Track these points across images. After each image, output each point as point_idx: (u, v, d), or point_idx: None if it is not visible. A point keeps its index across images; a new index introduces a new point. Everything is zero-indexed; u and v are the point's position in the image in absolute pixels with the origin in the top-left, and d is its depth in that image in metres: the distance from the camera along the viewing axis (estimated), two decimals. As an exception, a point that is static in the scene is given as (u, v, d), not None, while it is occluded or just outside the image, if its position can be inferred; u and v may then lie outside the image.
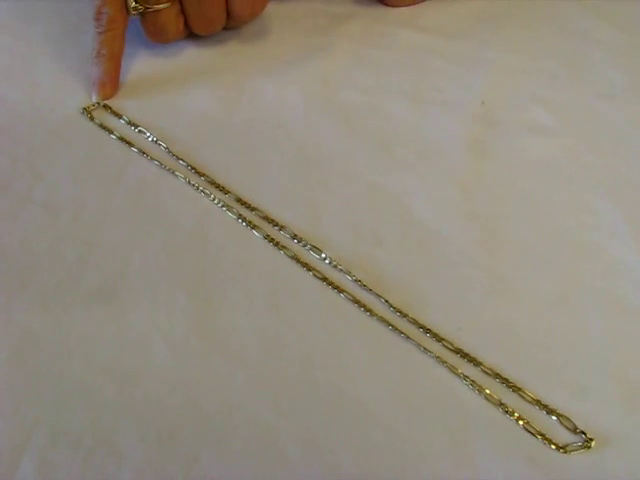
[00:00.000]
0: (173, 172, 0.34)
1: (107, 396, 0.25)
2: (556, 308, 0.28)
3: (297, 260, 0.30)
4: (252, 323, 0.28)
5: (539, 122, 0.38)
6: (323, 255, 0.30)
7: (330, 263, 0.30)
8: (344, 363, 0.26)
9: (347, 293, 0.29)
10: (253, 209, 0.32)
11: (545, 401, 0.25)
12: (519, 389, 0.26)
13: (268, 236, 0.31)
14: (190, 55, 0.41)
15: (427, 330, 0.27)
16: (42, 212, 0.32)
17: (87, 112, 0.37)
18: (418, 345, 0.27)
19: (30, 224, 0.31)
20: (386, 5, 0.46)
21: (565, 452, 0.24)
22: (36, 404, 0.25)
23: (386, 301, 0.28)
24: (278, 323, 0.28)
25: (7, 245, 0.30)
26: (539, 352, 0.27)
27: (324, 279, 0.29)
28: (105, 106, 0.37)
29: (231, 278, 0.29)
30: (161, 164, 0.34)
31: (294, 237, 0.31)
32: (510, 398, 0.25)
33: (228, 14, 0.39)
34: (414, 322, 0.28)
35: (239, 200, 0.33)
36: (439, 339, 0.27)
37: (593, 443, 0.24)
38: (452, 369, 0.26)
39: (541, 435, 0.24)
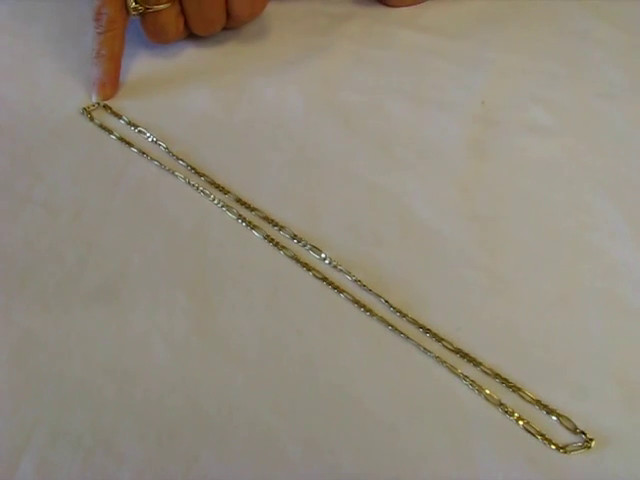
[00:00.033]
0: (173, 172, 0.34)
1: (107, 396, 0.25)
2: (556, 308, 0.28)
3: (297, 260, 0.30)
4: (252, 323, 0.28)
5: (539, 122, 0.38)
6: (323, 255, 0.30)
7: (330, 263, 0.30)
8: (344, 363, 0.26)
9: (347, 293, 0.29)
10: (253, 209, 0.32)
11: (545, 401, 0.25)
12: (519, 389, 0.26)
13: (268, 236, 0.31)
14: (190, 55, 0.41)
15: (427, 330, 0.27)
16: (42, 212, 0.32)
17: (87, 112, 0.37)
18: (418, 345, 0.27)
19: (30, 224, 0.31)
20: (386, 5, 0.46)
21: (565, 452, 0.24)
22: (36, 404, 0.25)
23: (386, 301, 0.28)
24: (278, 323, 0.28)
25: (7, 245, 0.30)
26: (539, 352, 0.27)
27: (324, 279, 0.29)
28: (105, 106, 0.38)
29: (231, 278, 0.29)
30: (161, 164, 0.34)
31: (294, 237, 0.31)
32: (510, 398, 0.25)
33: (228, 14, 0.39)
34: (414, 322, 0.28)
35: (239, 200, 0.33)
36: (439, 339, 0.27)
37: (593, 443, 0.24)
38: (452, 369, 0.26)
39: (541, 435, 0.24)
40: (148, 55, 0.41)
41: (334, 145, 0.36)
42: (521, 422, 0.25)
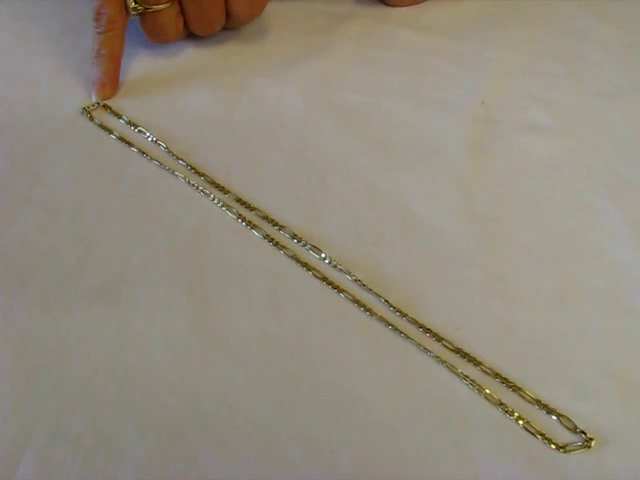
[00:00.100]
0: (173, 172, 0.34)
1: (107, 396, 0.25)
2: (556, 307, 0.28)
3: (297, 260, 0.30)
4: (252, 323, 0.27)
5: (539, 122, 0.38)
6: (323, 255, 0.30)
7: (330, 263, 0.30)
8: (344, 363, 0.26)
9: (347, 293, 0.29)
10: (253, 209, 0.32)
11: (545, 401, 0.25)
12: (519, 389, 0.26)
13: (268, 236, 0.31)
14: (190, 55, 0.41)
15: (427, 330, 0.27)
16: (42, 212, 0.32)
17: (87, 112, 0.37)
18: (418, 345, 0.27)
19: (30, 224, 0.31)
20: (386, 5, 0.46)
21: (565, 452, 0.24)
22: (36, 404, 0.25)
23: (386, 301, 0.28)
24: (278, 323, 0.28)
25: (7, 245, 0.30)
26: (539, 352, 0.27)
27: (324, 279, 0.29)
28: (105, 106, 0.38)
29: (231, 278, 0.29)
30: (161, 164, 0.34)
31: (294, 237, 0.31)
32: (510, 398, 0.25)
33: (227, 15, 0.39)
34: (414, 322, 0.28)
35: (239, 200, 0.33)
36: (439, 339, 0.27)
37: (593, 443, 0.24)
38: (452, 369, 0.26)
39: (541, 435, 0.24)
40: (148, 55, 0.41)
41: (334, 145, 0.36)
42: (521, 422, 0.25)
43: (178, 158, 0.35)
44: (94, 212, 0.32)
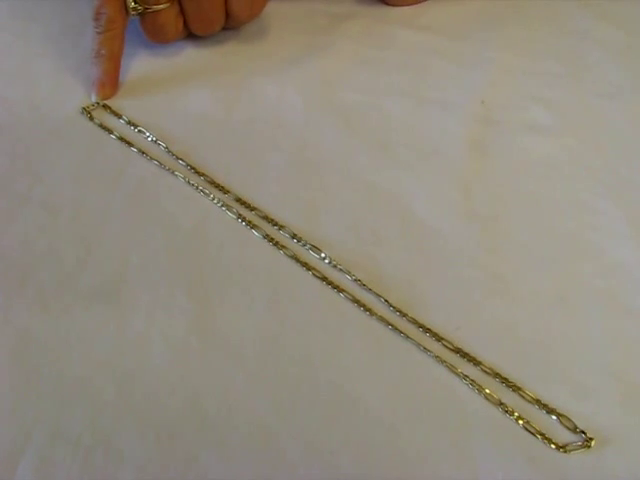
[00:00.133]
0: (173, 172, 0.34)
1: (106, 396, 0.25)
2: (556, 307, 0.28)
3: (297, 260, 0.30)
4: (251, 322, 0.27)
5: (539, 121, 0.38)
6: (323, 255, 0.30)
7: (330, 263, 0.30)
8: (344, 363, 0.26)
9: (347, 293, 0.29)
10: (253, 209, 0.32)
11: (545, 400, 0.25)
12: (519, 388, 0.26)
13: (268, 236, 0.31)
14: (189, 55, 0.41)
15: (427, 329, 0.27)
16: (41, 212, 0.32)
17: (87, 112, 0.37)
18: (418, 344, 0.27)
19: (29, 224, 0.31)
20: (387, 4, 0.46)
21: (565, 451, 0.24)
22: (35, 404, 0.25)
23: (386, 301, 0.28)
24: (278, 323, 0.28)
25: (7, 245, 0.30)
26: (539, 351, 0.27)
27: (324, 279, 0.29)
28: (105, 106, 0.38)
29: (230, 278, 0.29)
30: (161, 164, 0.34)
31: (294, 237, 0.31)
32: (510, 397, 0.25)
33: (227, 15, 0.39)
34: (414, 321, 0.28)
35: (238, 200, 0.33)
36: (439, 338, 0.27)
37: (593, 442, 0.24)
38: (452, 368, 0.26)
39: (541, 434, 0.24)
40: (148, 55, 0.41)
41: (334, 145, 0.36)
42: (521, 421, 0.25)
43: (178, 158, 0.35)
44: (94, 212, 0.32)
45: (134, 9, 0.36)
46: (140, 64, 0.40)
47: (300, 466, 0.23)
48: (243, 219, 0.32)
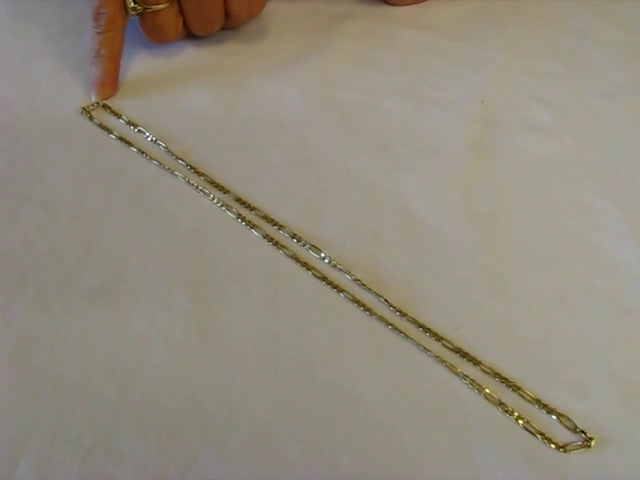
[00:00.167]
0: (172, 172, 0.34)
1: (106, 396, 0.25)
2: (556, 307, 0.28)
3: (296, 259, 0.30)
4: (251, 322, 0.27)
5: (539, 121, 0.38)
6: (322, 254, 0.30)
7: (329, 262, 0.30)
8: (343, 362, 0.26)
9: (346, 292, 0.29)
10: (252, 208, 0.32)
11: (545, 400, 0.25)
12: (519, 388, 0.26)
13: (267, 235, 0.31)
14: (189, 55, 0.41)
15: (426, 329, 0.27)
16: (41, 212, 0.32)
17: (86, 112, 0.37)
18: (417, 344, 0.27)
19: (29, 224, 0.31)
20: (388, 4, 0.46)
21: (565, 451, 0.24)
22: (35, 404, 0.25)
23: (385, 300, 0.28)
24: (277, 322, 0.27)
25: (6, 245, 0.30)
26: (539, 351, 0.27)
27: (323, 278, 0.29)
28: (104, 106, 0.37)
29: (230, 277, 0.29)
30: (160, 164, 0.34)
31: (293, 236, 0.31)
32: (510, 397, 0.25)
33: (226, 14, 0.39)
34: (413, 321, 0.28)
35: (238, 199, 0.33)
36: (438, 338, 0.27)
37: (593, 442, 0.24)
38: (451, 368, 0.26)
39: (541, 434, 0.24)
40: (147, 55, 0.41)
41: (334, 144, 0.36)
42: (521, 421, 0.25)
43: (178, 158, 0.34)
44: (94, 212, 0.32)
45: (133, 9, 0.36)
46: (140, 64, 0.40)
47: (300, 466, 0.23)
48: (243, 219, 0.32)
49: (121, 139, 0.35)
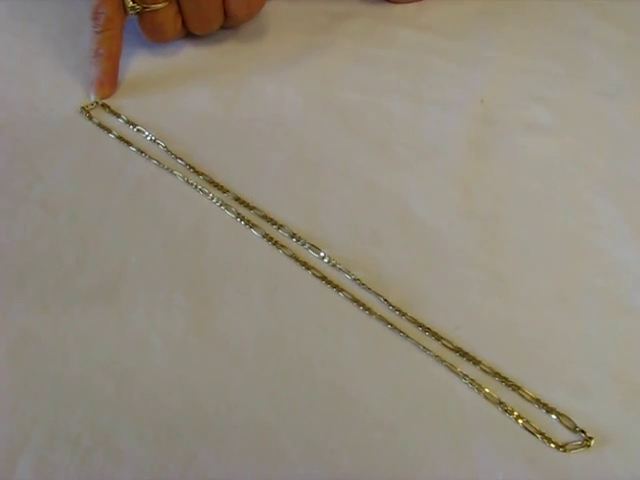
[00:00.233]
0: (172, 171, 0.34)
1: (105, 395, 0.25)
2: (555, 307, 0.28)
3: (296, 259, 0.30)
4: (251, 322, 0.27)
5: (539, 120, 0.37)
6: (322, 254, 0.30)
7: (329, 262, 0.30)
8: (343, 362, 0.26)
9: (346, 292, 0.29)
10: (252, 208, 0.32)
11: (544, 400, 0.25)
12: (518, 388, 0.26)
13: (267, 235, 0.31)
14: (188, 54, 0.41)
15: (426, 329, 0.27)
16: (41, 211, 0.32)
17: (85, 111, 0.37)
18: (417, 344, 0.27)
19: (28, 223, 0.31)
20: (388, 2, 0.46)
21: (564, 451, 0.24)
22: (34, 403, 0.25)
23: (385, 300, 0.28)
24: (277, 322, 0.27)
25: (6, 245, 0.30)
26: (538, 351, 0.27)
27: (323, 278, 0.29)
28: (103, 105, 0.37)
29: (229, 277, 0.29)
30: (160, 163, 0.34)
31: (293, 236, 0.31)
32: (509, 397, 0.25)
33: (225, 14, 0.39)
34: (413, 321, 0.28)
35: (238, 199, 0.33)
36: (438, 338, 0.27)
37: (592, 442, 0.24)
38: (451, 368, 0.26)
39: (540, 434, 0.24)
40: (146, 54, 0.41)
41: (333, 144, 0.36)
42: (520, 421, 0.25)
43: (177, 157, 0.34)
44: (93, 211, 0.32)
45: (132, 8, 0.36)
46: (139, 63, 0.40)
47: (299, 465, 0.23)
48: (242, 218, 0.32)
49: (120, 138, 0.35)
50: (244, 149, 0.35)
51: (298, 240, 0.31)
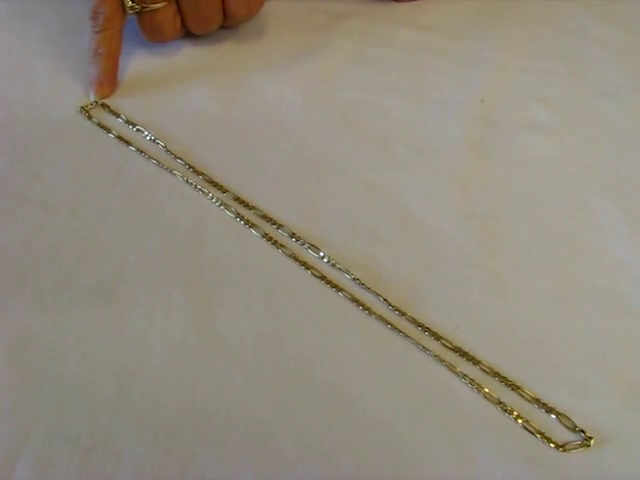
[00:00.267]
0: (171, 171, 0.34)
1: (105, 395, 0.25)
2: (555, 307, 0.28)
3: (295, 259, 0.30)
4: (250, 322, 0.27)
5: (538, 120, 0.37)
6: (321, 254, 0.30)
7: (328, 262, 0.30)
8: (342, 362, 0.26)
9: (345, 292, 0.29)
10: (251, 208, 0.32)
11: (544, 399, 0.25)
12: (518, 387, 0.25)
13: (266, 235, 0.31)
14: (187, 54, 0.41)
15: (426, 328, 0.27)
16: (40, 211, 0.32)
17: (85, 111, 0.37)
18: (417, 343, 0.27)
19: (28, 223, 0.31)
20: (389, 0, 0.46)
21: (564, 450, 0.24)
22: (33, 403, 0.25)
23: (385, 300, 0.28)
24: (276, 322, 0.27)
25: (5, 244, 0.30)
26: (538, 350, 0.27)
27: (322, 278, 0.29)
28: (103, 105, 0.37)
29: (229, 277, 0.29)
30: (159, 163, 0.34)
31: (292, 236, 0.31)
32: (509, 396, 0.25)
33: (224, 13, 0.39)
34: (413, 320, 0.28)
35: (237, 199, 0.33)
36: (438, 337, 0.27)
37: (592, 441, 0.24)
38: (451, 367, 0.26)
39: (540, 434, 0.24)
40: (146, 54, 0.41)
41: (333, 143, 0.36)
42: (520, 420, 0.25)
43: (176, 157, 0.34)
44: (92, 211, 0.32)
45: (131, 8, 0.36)
46: (138, 63, 0.40)
47: (299, 465, 0.23)
48: (242, 218, 0.32)
49: (120, 138, 0.35)
50: (244, 149, 0.35)
51: (298, 240, 0.31)
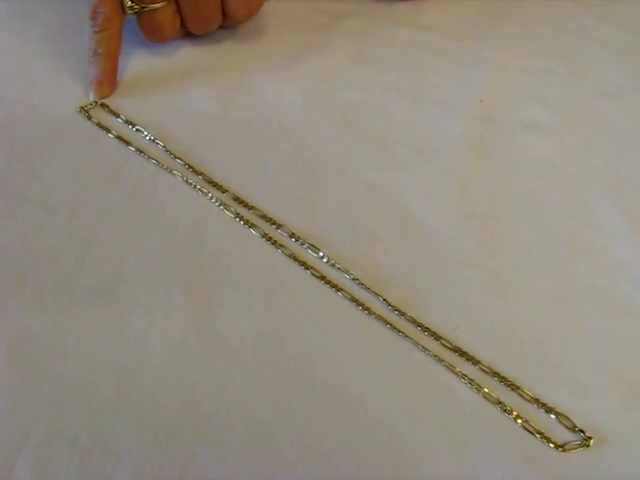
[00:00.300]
0: (171, 171, 0.34)
1: (104, 395, 0.25)
2: (555, 306, 0.28)
3: (295, 259, 0.30)
4: (250, 322, 0.27)
5: (538, 120, 0.37)
6: (321, 254, 0.30)
7: (328, 262, 0.30)
8: (342, 362, 0.26)
9: (345, 292, 0.29)
10: (251, 208, 0.32)
11: (544, 399, 0.25)
12: (517, 387, 0.25)
13: (266, 235, 0.31)
14: (187, 54, 0.41)
15: (425, 328, 0.27)
16: (40, 211, 0.32)
17: (84, 111, 0.37)
18: (416, 343, 0.27)
19: (28, 223, 0.31)
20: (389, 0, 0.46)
21: (564, 450, 0.24)
22: (33, 403, 0.25)
23: (384, 300, 0.28)
24: (276, 322, 0.27)
25: (5, 244, 0.30)
26: (538, 350, 0.27)
27: (322, 278, 0.29)
28: (102, 105, 0.37)
29: (229, 277, 0.29)
30: (159, 163, 0.34)
31: (292, 236, 0.31)
32: (508, 396, 0.25)
33: (224, 13, 0.39)
34: (412, 321, 0.28)
35: (237, 199, 0.33)
36: (437, 337, 0.27)
37: (592, 441, 0.24)
38: (450, 367, 0.26)
39: (539, 433, 0.24)
40: (145, 54, 0.41)
41: (332, 143, 0.36)
42: (520, 420, 0.25)
43: (176, 157, 0.34)
44: (92, 211, 0.32)
45: (131, 8, 0.36)
46: (138, 63, 0.40)
47: (298, 465, 0.23)
48: (241, 218, 0.32)
49: (119, 138, 0.35)
50: (243, 149, 0.35)
51: (297, 240, 0.31)
